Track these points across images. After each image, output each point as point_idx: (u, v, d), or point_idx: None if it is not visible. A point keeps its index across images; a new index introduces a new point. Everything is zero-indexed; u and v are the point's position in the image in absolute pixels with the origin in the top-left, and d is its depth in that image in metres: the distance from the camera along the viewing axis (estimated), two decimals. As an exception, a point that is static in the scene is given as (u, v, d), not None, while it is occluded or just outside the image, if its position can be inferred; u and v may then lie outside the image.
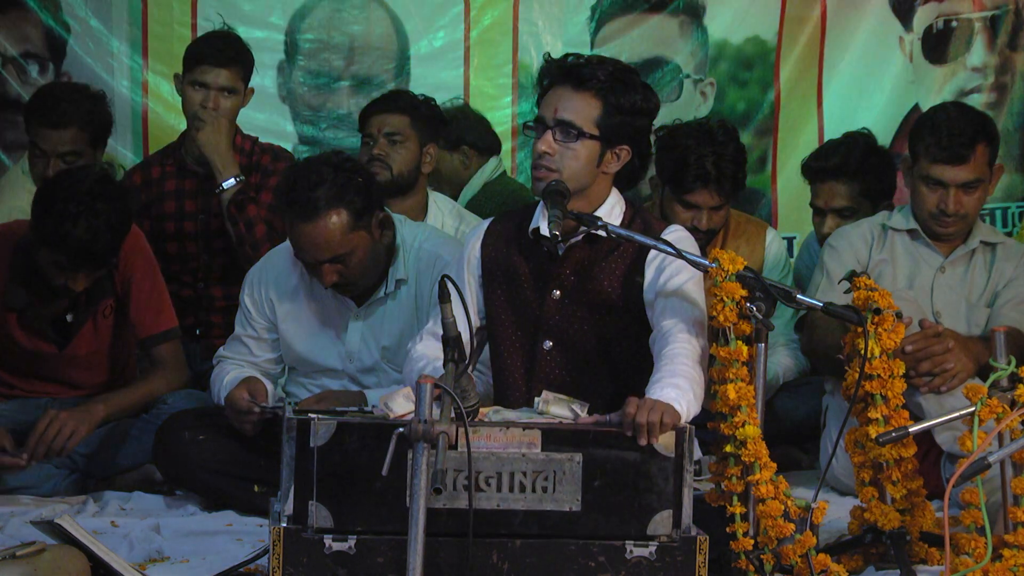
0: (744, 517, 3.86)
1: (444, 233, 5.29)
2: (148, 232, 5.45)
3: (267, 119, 6.69)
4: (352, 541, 3.63)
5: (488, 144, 6.43)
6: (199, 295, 5.77)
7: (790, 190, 6.79)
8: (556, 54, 4.28)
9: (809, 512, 3.88)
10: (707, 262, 3.95)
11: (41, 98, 5.66)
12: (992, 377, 3.99)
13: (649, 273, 4.17)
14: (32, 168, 5.60)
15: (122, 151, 6.59)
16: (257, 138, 5.87)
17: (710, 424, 3.94)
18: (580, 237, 4.15)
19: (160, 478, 5.03)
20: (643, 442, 3.64)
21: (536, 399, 3.86)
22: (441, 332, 3.67)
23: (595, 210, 4.18)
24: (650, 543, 3.69)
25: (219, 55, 5.66)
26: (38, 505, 4.77)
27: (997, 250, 5.06)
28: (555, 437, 3.68)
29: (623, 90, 4.13)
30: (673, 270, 4.11)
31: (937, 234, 5.04)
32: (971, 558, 3.92)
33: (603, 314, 4.20)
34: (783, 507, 3.83)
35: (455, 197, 6.25)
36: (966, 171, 4.90)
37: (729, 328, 3.88)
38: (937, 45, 6.91)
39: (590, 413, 3.82)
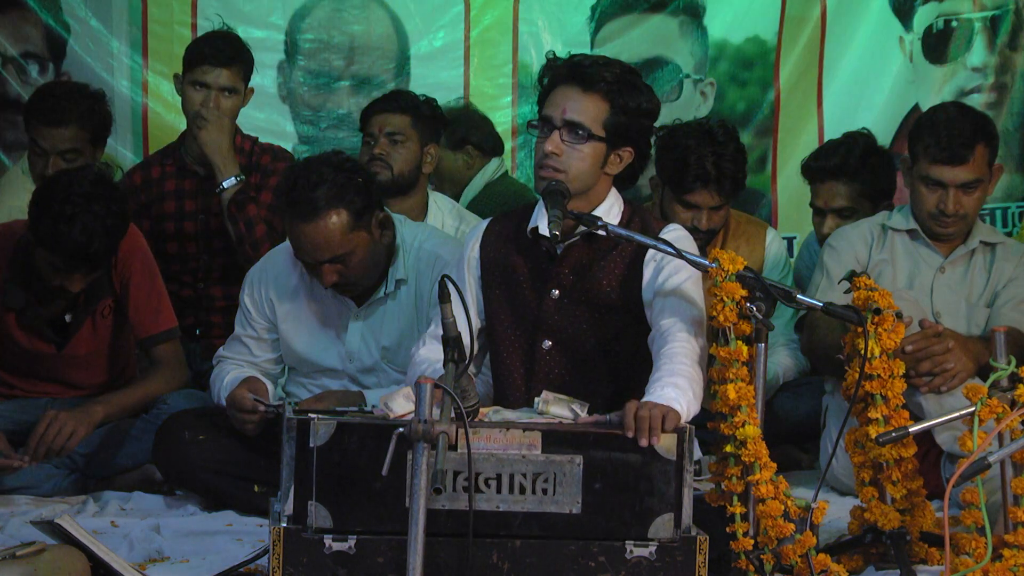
0: (744, 517, 3.86)
1: (444, 233, 5.29)
2: (148, 232, 5.45)
3: (267, 119, 6.70)
4: (352, 541, 3.63)
5: (492, 145, 6.44)
6: (199, 295, 5.77)
7: (790, 190, 6.79)
8: (557, 54, 4.28)
9: (809, 512, 3.88)
10: (707, 262, 3.95)
11: (41, 97, 5.66)
12: (992, 377, 3.99)
13: (647, 272, 4.17)
14: (32, 167, 5.60)
15: (122, 151, 6.59)
16: (257, 138, 5.87)
17: (710, 424, 3.94)
18: (578, 236, 4.15)
19: (160, 478, 5.02)
20: (643, 443, 3.63)
21: (536, 399, 3.86)
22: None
23: (594, 209, 4.18)
24: (650, 543, 3.69)
25: (219, 55, 5.66)
26: (38, 505, 4.77)
27: (997, 250, 5.06)
28: (555, 439, 3.68)
29: (630, 92, 4.14)
30: (671, 269, 4.11)
31: (937, 234, 5.04)
32: (971, 558, 3.92)
33: (602, 313, 4.20)
34: (783, 507, 3.83)
35: (457, 196, 6.26)
36: (965, 171, 4.90)
37: (729, 328, 3.88)
38: (937, 45, 6.91)
39: (590, 413, 3.82)
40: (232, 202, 5.55)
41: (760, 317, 3.88)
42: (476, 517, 3.59)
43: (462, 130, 6.35)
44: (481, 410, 3.83)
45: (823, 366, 5.01)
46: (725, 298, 3.88)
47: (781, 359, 5.47)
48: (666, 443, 3.67)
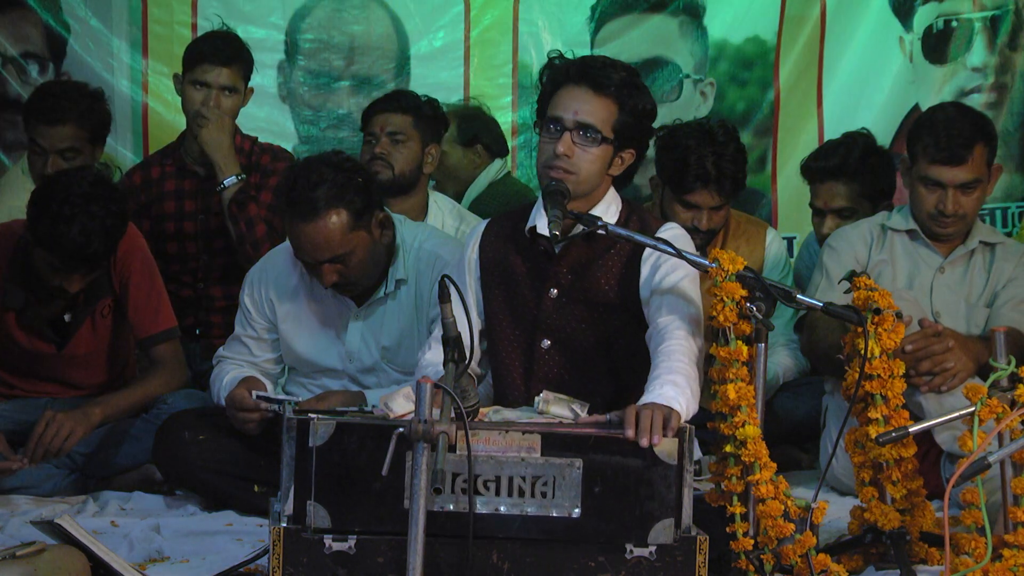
0: (744, 517, 3.86)
1: (444, 233, 5.30)
2: (148, 232, 5.45)
3: (267, 119, 6.71)
4: (352, 541, 3.63)
5: (499, 147, 6.50)
6: (199, 295, 5.78)
7: (790, 190, 6.79)
8: (558, 53, 4.28)
9: (809, 512, 3.87)
10: (707, 262, 3.95)
11: (40, 96, 5.66)
12: (992, 377, 3.99)
13: (644, 270, 4.17)
14: (31, 167, 5.60)
15: (122, 151, 6.60)
16: (256, 138, 5.87)
17: (710, 424, 3.94)
18: (577, 235, 4.14)
19: (160, 478, 5.03)
20: (644, 443, 3.63)
21: (536, 399, 3.85)
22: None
23: (592, 209, 4.18)
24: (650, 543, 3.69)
25: (219, 54, 5.67)
26: (38, 505, 4.77)
27: (996, 250, 5.06)
28: (555, 442, 3.67)
29: (637, 94, 4.14)
30: (668, 268, 4.12)
31: (936, 234, 5.04)
32: (971, 558, 3.92)
33: (600, 312, 4.20)
34: (783, 507, 3.83)
35: (460, 193, 6.28)
36: (964, 172, 4.90)
37: (729, 328, 3.87)
38: (937, 45, 6.91)
39: (590, 413, 3.82)
40: (233, 201, 5.55)
41: (760, 317, 3.88)
42: (474, 520, 3.59)
43: (475, 129, 6.38)
44: (481, 410, 3.83)
45: (823, 366, 5.01)
46: (725, 298, 3.87)
47: (781, 359, 5.47)
48: (667, 447, 3.66)
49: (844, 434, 4.12)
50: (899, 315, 4.04)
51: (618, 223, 4.17)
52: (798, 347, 5.43)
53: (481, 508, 3.63)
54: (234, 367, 4.87)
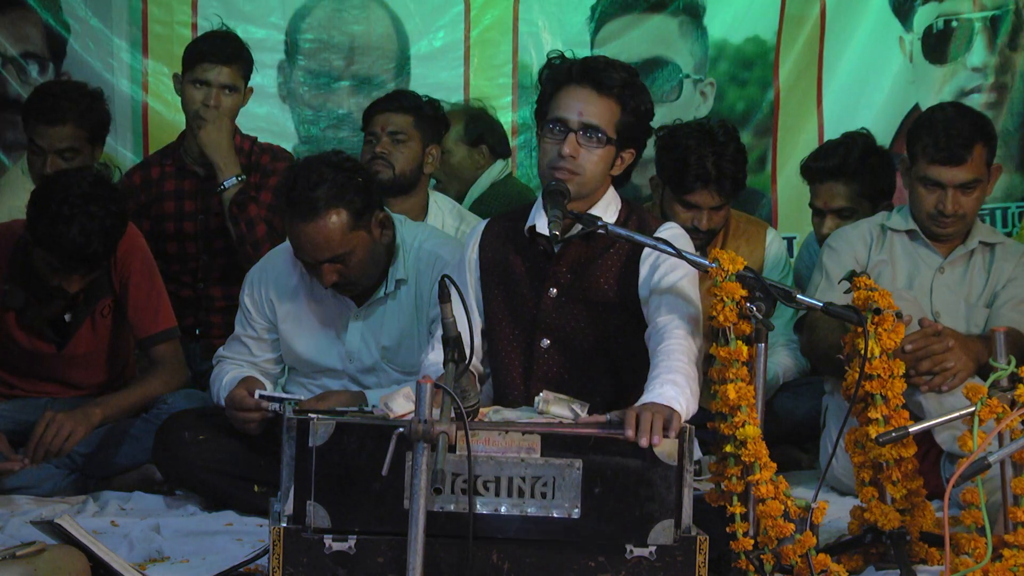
0: (744, 517, 3.86)
1: (444, 233, 5.30)
2: (147, 232, 5.45)
3: (267, 118, 6.71)
4: (352, 541, 3.63)
5: (503, 149, 6.50)
6: (199, 295, 5.78)
7: (790, 190, 6.79)
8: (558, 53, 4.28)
9: (809, 512, 3.87)
10: (706, 262, 3.96)
11: (39, 96, 5.66)
12: (992, 377, 3.99)
13: (643, 269, 4.17)
14: (31, 167, 5.60)
15: (122, 151, 6.60)
16: (256, 138, 5.87)
17: (710, 424, 3.94)
18: (576, 235, 4.14)
19: (160, 478, 5.03)
20: (644, 443, 3.63)
21: (536, 399, 3.85)
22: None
23: (592, 208, 4.18)
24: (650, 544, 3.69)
25: (220, 53, 5.67)
26: (38, 505, 4.77)
27: (996, 250, 5.06)
28: (555, 442, 3.66)
29: (638, 95, 4.16)
30: (668, 267, 4.12)
31: (936, 235, 5.04)
32: (971, 558, 3.92)
33: (600, 311, 4.20)
34: (783, 507, 3.83)
35: (462, 193, 6.28)
36: (964, 172, 4.90)
37: (729, 328, 3.88)
38: (937, 45, 6.91)
39: (590, 413, 3.82)
40: (233, 202, 5.55)
41: (760, 317, 3.88)
42: (474, 520, 3.58)
43: (481, 129, 6.38)
44: (481, 410, 3.83)
45: (823, 366, 5.01)
46: (725, 298, 3.87)
47: (781, 359, 5.47)
48: (667, 447, 3.66)
49: (844, 434, 4.12)
50: (899, 315, 4.04)
51: (617, 223, 4.17)
52: (798, 347, 5.43)
53: (481, 508, 3.63)
54: (234, 367, 4.87)
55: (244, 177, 5.60)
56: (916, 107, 6.82)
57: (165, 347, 5.13)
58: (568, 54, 4.25)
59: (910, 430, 3.96)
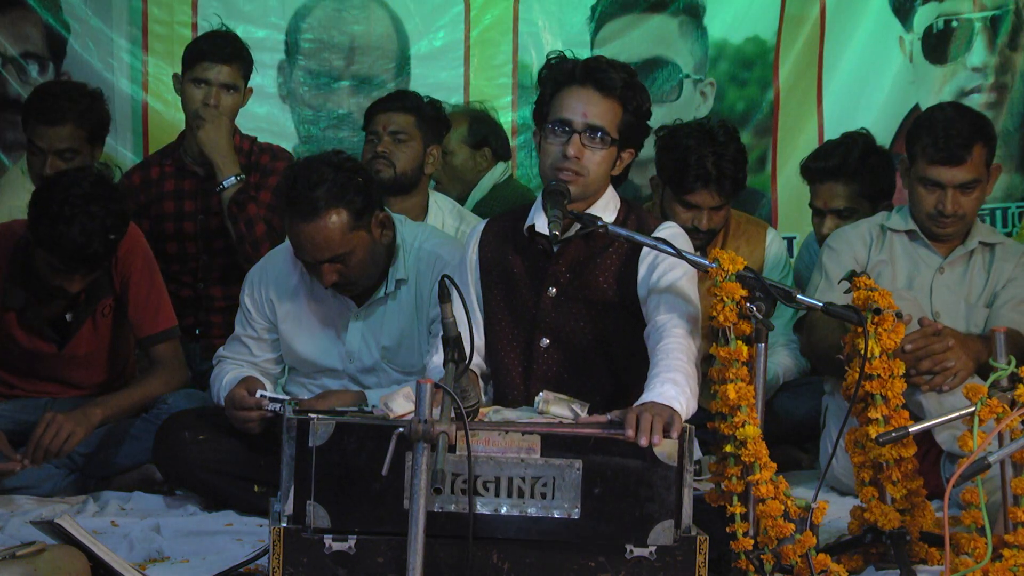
0: (744, 517, 3.86)
1: (444, 233, 5.30)
2: (147, 232, 5.45)
3: (267, 118, 6.71)
4: (352, 541, 3.63)
5: (504, 151, 6.50)
6: (199, 295, 5.78)
7: (790, 190, 6.79)
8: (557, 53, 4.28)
9: (809, 512, 3.87)
10: (706, 262, 3.96)
11: (38, 96, 5.67)
12: (992, 377, 3.99)
13: (642, 269, 4.18)
14: (30, 167, 5.60)
15: (122, 150, 6.60)
16: (256, 138, 5.87)
17: (710, 424, 3.94)
18: (575, 234, 4.14)
19: (160, 478, 5.03)
20: (644, 442, 3.63)
21: (536, 398, 3.85)
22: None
23: (591, 208, 4.18)
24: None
25: (220, 52, 5.68)
26: (38, 505, 4.77)
27: (996, 250, 5.06)
28: (555, 442, 3.66)
29: (639, 95, 4.16)
30: (666, 266, 4.12)
31: (936, 235, 5.04)
32: (971, 558, 3.92)
33: (599, 311, 4.21)
34: (783, 507, 3.83)
35: (462, 194, 6.28)
36: (963, 172, 4.90)
37: (729, 328, 3.88)
38: (937, 45, 6.90)
39: (590, 413, 3.82)
40: (233, 202, 5.55)
41: (760, 317, 3.88)
42: (474, 520, 3.58)
43: (485, 131, 6.39)
44: (481, 410, 3.83)
45: (823, 366, 5.01)
46: (725, 298, 3.88)
47: (781, 359, 5.47)
48: (667, 448, 3.66)
49: (844, 434, 4.12)
50: (899, 315, 4.04)
51: (617, 222, 4.17)
52: (798, 347, 5.43)
53: (481, 508, 3.63)
54: (234, 367, 4.87)
55: (243, 176, 5.60)
56: (916, 107, 6.82)
57: (165, 347, 5.13)
58: (568, 54, 4.25)
59: (910, 430, 3.96)
